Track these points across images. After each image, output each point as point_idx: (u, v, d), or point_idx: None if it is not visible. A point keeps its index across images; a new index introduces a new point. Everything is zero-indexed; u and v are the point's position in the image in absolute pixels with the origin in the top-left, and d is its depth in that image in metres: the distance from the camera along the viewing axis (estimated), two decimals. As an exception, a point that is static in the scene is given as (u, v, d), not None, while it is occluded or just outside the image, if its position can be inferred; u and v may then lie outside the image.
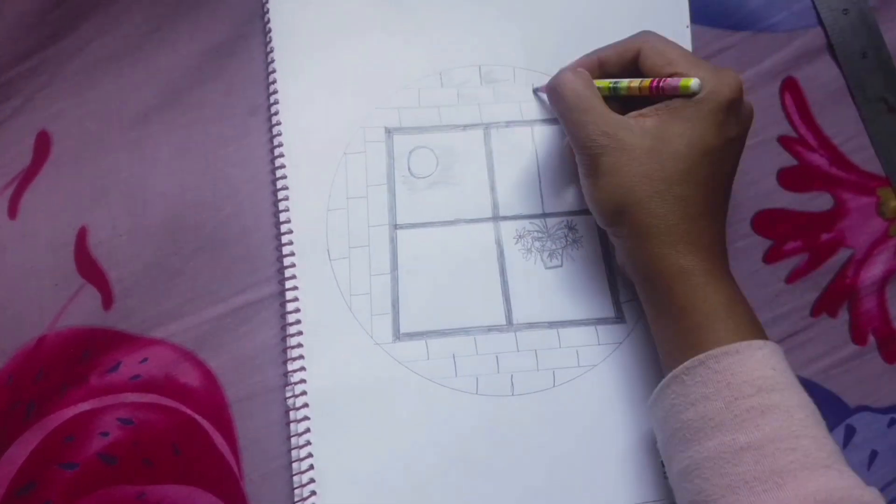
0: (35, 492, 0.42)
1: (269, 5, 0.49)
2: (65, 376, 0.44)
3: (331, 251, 0.46)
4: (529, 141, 0.48)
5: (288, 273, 0.45)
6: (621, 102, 0.42)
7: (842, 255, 0.50)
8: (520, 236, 0.47)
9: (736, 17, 0.52)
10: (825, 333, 0.49)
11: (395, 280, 0.46)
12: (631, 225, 0.40)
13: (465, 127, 0.48)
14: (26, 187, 0.46)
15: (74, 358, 0.44)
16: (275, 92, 0.47)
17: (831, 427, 0.47)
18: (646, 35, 0.42)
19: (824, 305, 0.49)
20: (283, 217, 0.46)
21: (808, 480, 0.33)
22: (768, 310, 0.48)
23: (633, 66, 0.42)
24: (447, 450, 0.44)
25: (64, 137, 0.47)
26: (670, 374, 0.38)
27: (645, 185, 0.39)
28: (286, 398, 0.44)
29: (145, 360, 0.44)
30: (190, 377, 0.44)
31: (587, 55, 0.44)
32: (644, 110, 0.40)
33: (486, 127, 0.49)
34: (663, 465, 0.41)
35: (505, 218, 0.47)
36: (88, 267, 0.45)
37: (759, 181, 0.50)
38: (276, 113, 0.47)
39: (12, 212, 0.46)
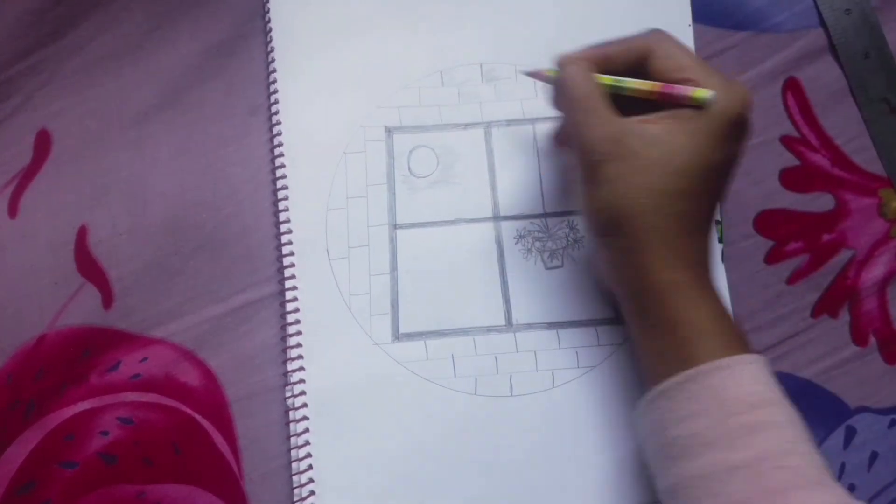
0: (35, 491, 0.42)
1: (269, 5, 0.49)
2: (65, 375, 0.44)
3: (330, 251, 0.46)
4: (531, 140, 0.48)
5: (287, 273, 0.45)
6: (618, 101, 0.40)
7: (843, 255, 0.50)
8: (520, 236, 0.47)
9: (738, 16, 0.52)
10: (826, 334, 0.48)
11: (394, 280, 0.46)
12: (625, 237, 0.38)
13: (466, 126, 0.48)
14: (26, 186, 0.46)
15: (74, 357, 0.44)
16: (275, 91, 0.47)
17: (832, 428, 0.47)
18: (658, 35, 0.41)
19: (825, 306, 0.49)
20: (282, 217, 0.46)
21: (799, 499, 0.33)
22: (769, 310, 0.48)
23: (638, 66, 0.41)
24: (446, 450, 0.44)
25: (64, 136, 0.47)
26: (657, 389, 0.37)
27: (644, 198, 0.37)
28: (286, 398, 0.44)
29: (145, 359, 0.44)
30: (190, 376, 0.44)
31: (592, 47, 0.42)
32: (649, 116, 0.39)
33: (487, 126, 0.48)
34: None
35: (505, 218, 0.47)
36: (88, 266, 0.45)
37: (761, 181, 0.50)
38: (277, 112, 0.47)
39: (12, 211, 0.46)
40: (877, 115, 0.51)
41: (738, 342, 0.38)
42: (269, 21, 0.48)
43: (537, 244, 0.47)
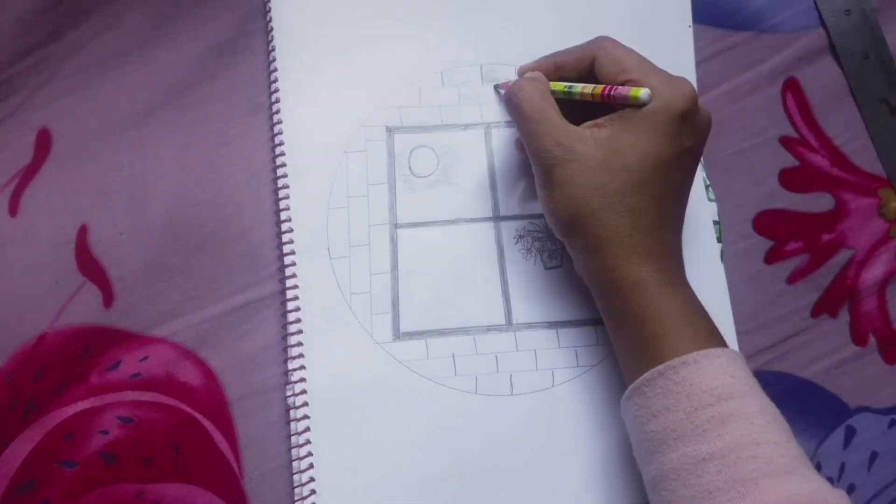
0: (35, 490, 0.42)
1: (270, 4, 0.49)
2: (65, 375, 0.44)
3: (331, 250, 0.46)
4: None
5: (288, 272, 0.45)
6: (578, 108, 0.42)
7: (843, 255, 0.50)
8: (520, 236, 0.47)
9: (738, 17, 0.52)
10: (826, 334, 0.49)
11: (395, 279, 0.46)
12: (585, 236, 0.40)
13: (466, 126, 0.48)
14: (27, 185, 0.46)
15: (75, 356, 0.44)
16: (276, 91, 0.47)
17: (831, 428, 0.47)
18: (602, 41, 0.42)
19: (825, 306, 0.49)
20: (283, 216, 0.46)
21: (770, 488, 0.33)
22: (769, 310, 0.48)
23: (589, 72, 0.42)
24: (446, 449, 0.44)
25: (65, 135, 0.47)
26: (631, 386, 0.39)
27: (598, 197, 0.39)
28: (286, 397, 0.44)
29: (146, 358, 0.44)
30: (190, 376, 0.44)
31: (545, 57, 0.45)
32: (599, 120, 0.40)
33: (487, 126, 0.48)
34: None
35: (505, 218, 0.47)
36: (89, 265, 0.45)
37: (760, 182, 0.50)
38: (278, 111, 0.47)
39: (13, 209, 0.46)
40: (876, 115, 0.51)
41: (707, 336, 0.38)
42: (270, 20, 0.48)
43: (537, 244, 0.47)
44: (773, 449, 0.34)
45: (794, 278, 0.49)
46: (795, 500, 0.33)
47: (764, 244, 0.49)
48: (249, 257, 0.46)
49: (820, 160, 0.51)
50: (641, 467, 0.39)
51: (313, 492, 0.42)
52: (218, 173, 0.47)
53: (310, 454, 0.43)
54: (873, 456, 0.47)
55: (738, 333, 0.47)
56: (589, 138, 0.40)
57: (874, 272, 0.50)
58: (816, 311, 0.49)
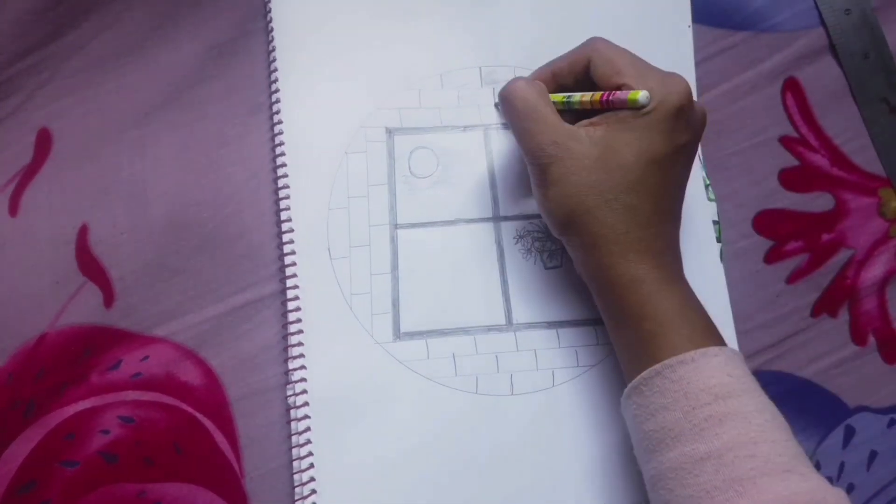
0: (35, 490, 0.42)
1: (271, 4, 0.49)
2: (65, 374, 0.44)
3: (331, 250, 0.46)
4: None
5: (289, 272, 0.45)
6: (578, 115, 0.42)
7: (842, 255, 0.50)
8: (520, 236, 0.47)
9: (738, 16, 0.52)
10: (825, 334, 0.49)
11: (395, 279, 0.46)
12: (581, 234, 0.40)
13: (466, 128, 0.48)
14: (27, 185, 0.46)
15: (75, 356, 0.44)
16: (276, 91, 0.47)
17: (831, 427, 0.47)
18: (594, 43, 0.42)
19: (825, 306, 0.49)
20: (283, 216, 0.46)
21: (768, 487, 0.33)
22: (769, 310, 0.48)
23: (585, 76, 0.42)
24: (447, 449, 0.44)
25: (65, 135, 0.47)
26: (630, 385, 0.39)
27: (593, 195, 0.39)
28: (287, 397, 0.44)
29: (146, 358, 0.44)
30: (191, 375, 0.44)
31: (541, 67, 0.44)
32: (594, 119, 0.40)
33: (486, 128, 0.48)
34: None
35: (505, 218, 0.47)
36: (89, 265, 0.45)
37: (760, 181, 0.50)
38: (278, 112, 0.47)
39: (13, 209, 0.46)
40: (876, 115, 0.51)
41: (705, 334, 0.38)
42: (270, 21, 0.48)
43: (537, 244, 0.47)
44: (771, 448, 0.35)
45: (793, 278, 0.49)
46: (794, 499, 0.33)
47: (764, 244, 0.49)
48: (250, 257, 0.46)
49: (820, 160, 0.51)
50: (641, 466, 0.39)
51: (313, 492, 0.42)
52: (218, 173, 0.47)
53: (310, 454, 0.43)
54: (872, 455, 0.48)
55: (738, 333, 0.47)
56: (584, 137, 0.40)
57: (874, 272, 0.50)
58: (816, 311, 0.49)
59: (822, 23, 0.52)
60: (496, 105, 0.49)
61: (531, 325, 0.46)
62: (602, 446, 0.44)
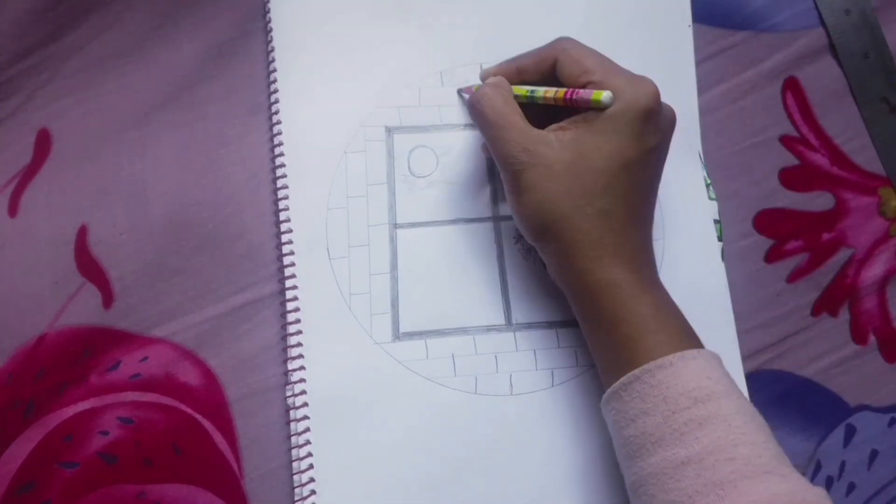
0: (35, 491, 0.42)
1: (270, 4, 0.49)
2: (65, 375, 0.44)
3: (331, 250, 0.46)
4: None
5: (288, 272, 0.45)
6: (542, 111, 0.42)
7: (843, 254, 0.50)
8: (520, 236, 0.47)
9: (738, 16, 0.52)
10: (826, 333, 0.49)
11: (394, 279, 0.46)
12: (555, 241, 0.40)
13: (466, 126, 0.48)
14: (27, 185, 0.46)
15: (74, 357, 0.44)
16: (275, 91, 0.47)
17: (832, 426, 0.47)
18: (563, 42, 0.42)
19: (825, 305, 0.49)
20: (283, 216, 0.46)
21: (748, 489, 0.33)
22: (769, 309, 0.48)
23: (551, 74, 0.42)
24: (446, 449, 0.44)
25: (65, 135, 0.47)
26: (609, 391, 0.38)
27: (566, 201, 0.39)
28: (286, 397, 0.44)
29: (145, 358, 0.44)
30: (190, 376, 0.44)
31: (507, 61, 0.44)
32: (563, 123, 0.40)
33: (487, 126, 0.48)
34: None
35: (505, 218, 0.47)
36: (89, 265, 0.45)
37: (760, 181, 0.50)
38: (277, 112, 0.47)
39: (12, 210, 0.46)
40: (876, 114, 0.51)
41: (682, 337, 0.38)
42: (269, 21, 0.48)
43: (537, 244, 0.47)
44: (750, 450, 0.34)
45: (794, 277, 0.49)
46: (774, 500, 0.33)
47: (764, 243, 0.49)
48: (249, 257, 0.46)
49: (820, 159, 0.51)
50: (623, 472, 0.39)
51: (313, 492, 0.42)
52: (217, 173, 0.47)
53: (310, 454, 0.43)
54: (873, 454, 0.47)
55: (739, 332, 0.47)
56: (554, 141, 0.39)
57: (874, 271, 0.50)
58: (816, 310, 0.49)
59: (822, 23, 0.52)
60: (459, 94, 0.48)
61: (530, 325, 0.46)
62: (601, 446, 0.44)
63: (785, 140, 0.51)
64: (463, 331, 0.45)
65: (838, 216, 0.50)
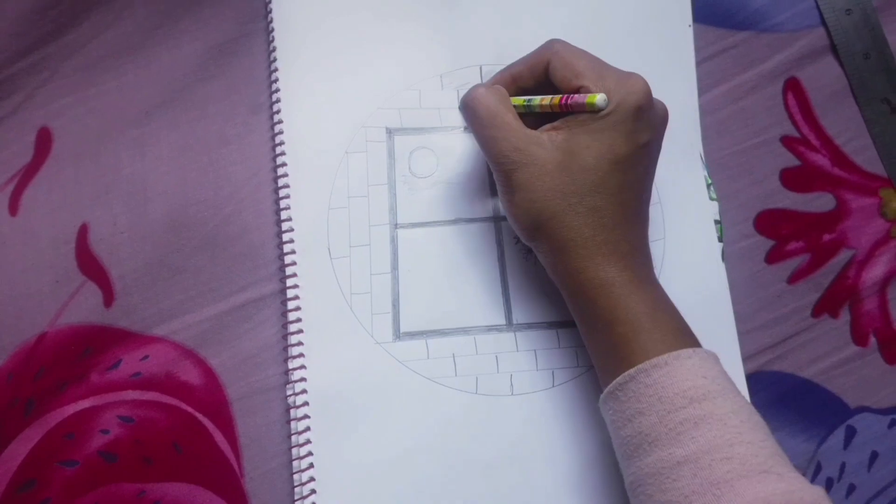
0: (35, 489, 0.42)
1: (271, 5, 0.49)
2: (65, 374, 0.44)
3: (332, 250, 0.46)
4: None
5: (289, 271, 0.45)
6: (541, 118, 0.42)
7: (843, 255, 0.50)
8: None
9: (739, 16, 0.52)
10: (826, 334, 0.49)
11: (395, 279, 0.46)
12: (549, 240, 0.40)
13: (466, 128, 0.48)
14: (27, 184, 0.46)
15: (75, 355, 0.44)
16: (277, 91, 0.47)
17: (832, 428, 0.47)
18: (553, 45, 0.42)
19: (826, 306, 0.49)
20: (284, 215, 0.46)
21: (745, 489, 0.33)
22: (770, 310, 0.48)
23: (545, 78, 0.42)
24: (447, 449, 0.44)
25: (65, 134, 0.47)
26: (606, 391, 0.38)
27: (558, 200, 0.39)
28: (287, 396, 0.44)
29: (146, 357, 0.44)
30: (191, 375, 0.44)
31: (500, 72, 0.44)
32: (555, 123, 0.40)
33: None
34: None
35: (505, 218, 0.47)
36: (89, 264, 0.45)
37: (761, 181, 0.50)
38: (278, 111, 0.47)
39: (13, 208, 0.46)
40: (877, 115, 0.51)
41: (677, 335, 0.38)
42: (271, 21, 0.48)
43: (538, 244, 0.47)
44: (747, 449, 0.34)
45: (794, 278, 0.49)
46: (771, 499, 0.33)
47: (765, 244, 0.49)
48: (250, 257, 0.46)
49: (821, 160, 0.51)
50: (622, 471, 0.39)
51: (313, 491, 0.42)
52: (218, 173, 0.47)
53: (310, 454, 0.43)
54: (874, 456, 0.47)
55: (739, 333, 0.47)
56: (546, 141, 0.39)
57: (875, 272, 0.50)
58: (817, 311, 0.49)
59: (823, 23, 0.52)
60: (460, 108, 0.48)
61: (531, 326, 0.46)
62: (601, 447, 0.44)
63: (786, 140, 0.51)
64: (464, 331, 0.45)
65: (839, 217, 0.50)
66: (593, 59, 0.41)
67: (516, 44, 0.49)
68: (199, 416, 0.44)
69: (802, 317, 0.49)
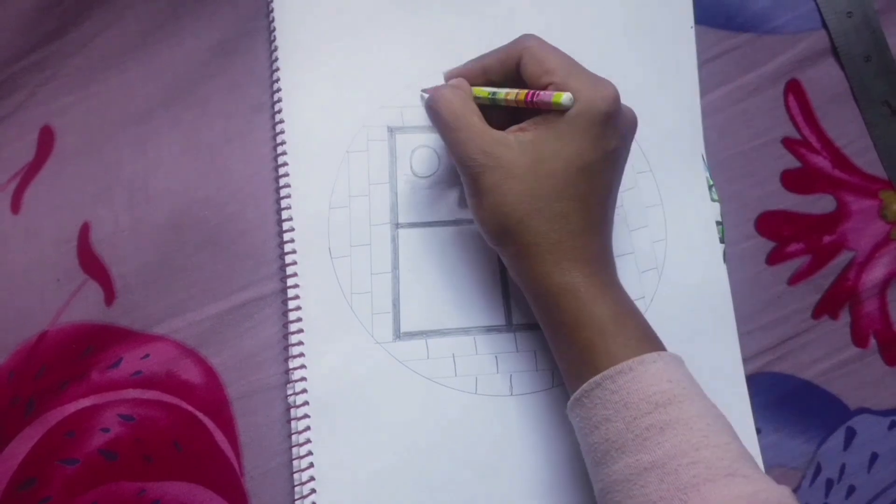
0: (36, 488, 0.42)
1: (273, 3, 0.49)
2: (66, 372, 0.44)
3: (332, 249, 0.46)
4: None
5: (290, 270, 0.45)
6: (506, 113, 0.42)
7: (844, 257, 0.50)
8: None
9: (740, 18, 0.52)
10: (826, 336, 0.49)
11: (395, 279, 0.46)
12: (515, 244, 0.40)
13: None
14: (29, 182, 0.46)
15: (76, 354, 0.44)
16: (278, 90, 0.47)
17: (832, 429, 0.47)
18: (526, 40, 0.41)
19: (826, 307, 0.49)
20: (285, 214, 0.46)
21: (711, 493, 0.33)
22: (770, 311, 0.48)
23: (516, 73, 0.42)
24: (446, 449, 0.44)
25: (67, 132, 0.47)
26: (572, 398, 0.38)
27: (525, 204, 0.39)
28: (287, 396, 0.44)
29: (147, 356, 0.44)
30: (191, 374, 0.44)
31: (471, 61, 0.44)
32: (523, 124, 0.40)
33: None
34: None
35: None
36: (91, 263, 0.45)
37: (762, 183, 0.50)
38: (280, 110, 0.47)
39: (15, 207, 0.46)
40: (878, 117, 0.51)
41: (641, 340, 0.38)
42: (272, 20, 0.48)
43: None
44: (713, 452, 0.34)
45: (795, 279, 0.49)
46: (737, 502, 0.33)
47: (766, 245, 0.49)
48: (251, 255, 0.46)
49: (822, 161, 0.51)
50: (591, 478, 0.39)
51: (313, 491, 0.42)
52: (220, 171, 0.47)
53: (310, 453, 0.43)
54: (874, 457, 0.47)
55: (739, 334, 0.47)
56: (514, 143, 0.39)
57: (875, 274, 0.50)
58: (817, 313, 0.49)
59: (824, 25, 0.52)
60: (421, 95, 0.48)
61: (531, 326, 0.46)
62: (602, 447, 0.44)
63: (787, 142, 0.51)
64: (464, 331, 0.45)
65: (839, 219, 0.50)
66: (566, 57, 0.41)
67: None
68: (200, 415, 0.44)
69: (803, 318, 0.49)
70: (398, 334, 0.45)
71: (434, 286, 0.46)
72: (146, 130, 0.47)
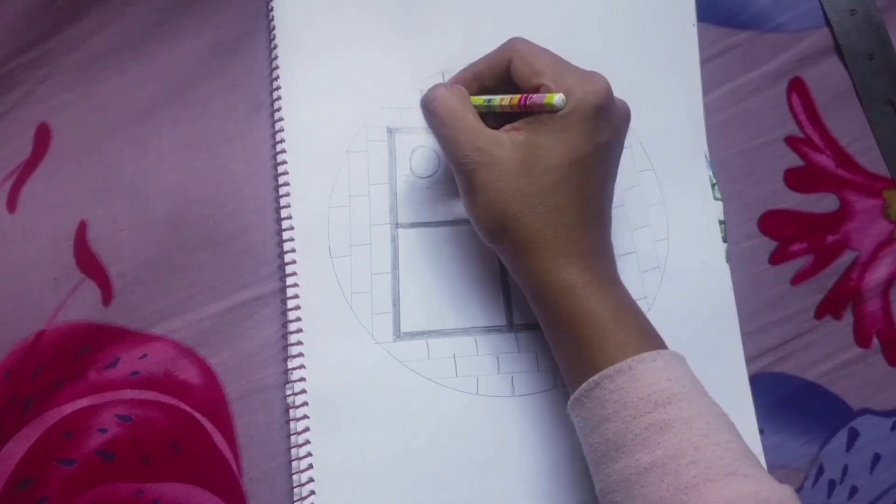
0: (33, 488, 0.42)
1: (273, 3, 0.48)
2: (63, 372, 0.43)
3: (332, 249, 0.45)
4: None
5: (289, 270, 0.45)
6: (501, 117, 0.41)
7: (847, 257, 0.50)
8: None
9: (743, 16, 0.52)
10: (829, 336, 0.48)
11: (395, 279, 0.45)
12: (510, 241, 0.39)
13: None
14: (26, 180, 0.46)
15: (73, 353, 0.44)
16: (278, 88, 0.47)
17: (834, 430, 0.47)
18: (514, 43, 0.41)
19: (829, 307, 0.49)
20: (284, 214, 0.45)
21: (712, 492, 0.33)
22: (773, 311, 0.48)
23: (507, 77, 0.42)
24: (447, 450, 0.43)
25: (64, 130, 0.47)
26: (572, 398, 0.38)
27: (519, 200, 0.38)
28: (286, 396, 0.44)
29: (145, 356, 0.44)
30: (189, 374, 0.44)
31: (462, 70, 0.44)
32: (516, 123, 0.40)
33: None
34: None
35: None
36: (88, 262, 0.45)
37: (765, 182, 0.50)
38: (280, 110, 0.47)
39: (11, 205, 0.46)
40: (881, 116, 0.51)
41: (641, 338, 0.38)
42: (272, 19, 0.48)
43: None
44: (713, 451, 0.34)
45: (798, 279, 0.49)
46: (738, 501, 0.33)
47: (769, 244, 0.49)
48: (250, 255, 0.46)
49: (825, 160, 0.51)
50: (592, 478, 0.38)
51: (313, 492, 0.42)
52: (219, 171, 0.47)
53: (309, 454, 0.42)
54: (876, 458, 0.47)
55: (742, 334, 0.47)
56: (507, 141, 0.39)
57: (878, 274, 0.49)
58: (820, 313, 0.49)
59: (828, 23, 0.52)
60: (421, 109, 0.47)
61: (532, 326, 0.46)
62: (604, 448, 0.44)
63: (790, 141, 0.51)
64: (464, 331, 0.45)
65: (843, 218, 0.50)
66: (555, 57, 0.41)
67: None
68: (198, 415, 0.43)
69: (805, 318, 0.48)
70: (398, 334, 0.45)
71: (434, 286, 0.46)
72: (145, 129, 0.47)
